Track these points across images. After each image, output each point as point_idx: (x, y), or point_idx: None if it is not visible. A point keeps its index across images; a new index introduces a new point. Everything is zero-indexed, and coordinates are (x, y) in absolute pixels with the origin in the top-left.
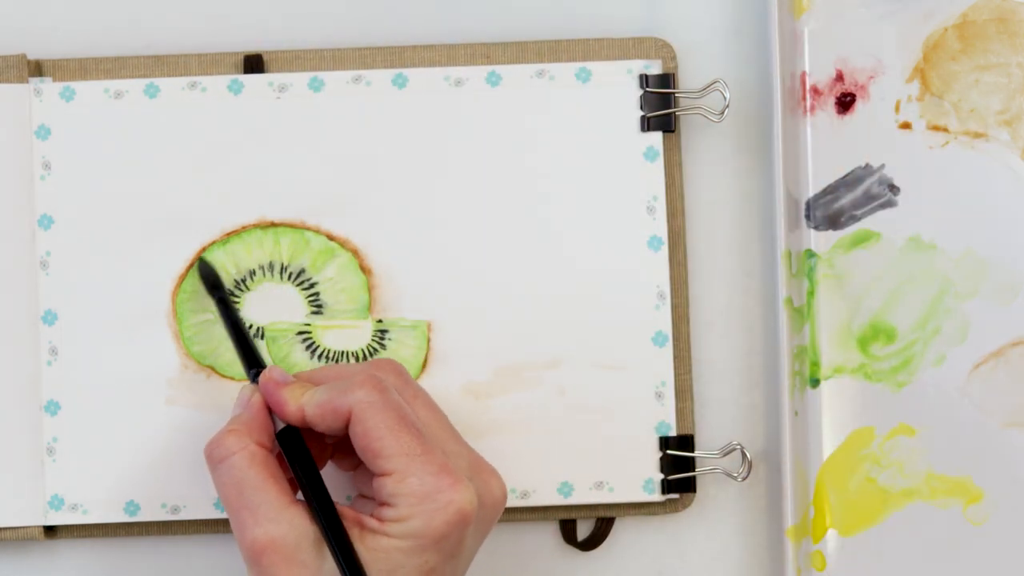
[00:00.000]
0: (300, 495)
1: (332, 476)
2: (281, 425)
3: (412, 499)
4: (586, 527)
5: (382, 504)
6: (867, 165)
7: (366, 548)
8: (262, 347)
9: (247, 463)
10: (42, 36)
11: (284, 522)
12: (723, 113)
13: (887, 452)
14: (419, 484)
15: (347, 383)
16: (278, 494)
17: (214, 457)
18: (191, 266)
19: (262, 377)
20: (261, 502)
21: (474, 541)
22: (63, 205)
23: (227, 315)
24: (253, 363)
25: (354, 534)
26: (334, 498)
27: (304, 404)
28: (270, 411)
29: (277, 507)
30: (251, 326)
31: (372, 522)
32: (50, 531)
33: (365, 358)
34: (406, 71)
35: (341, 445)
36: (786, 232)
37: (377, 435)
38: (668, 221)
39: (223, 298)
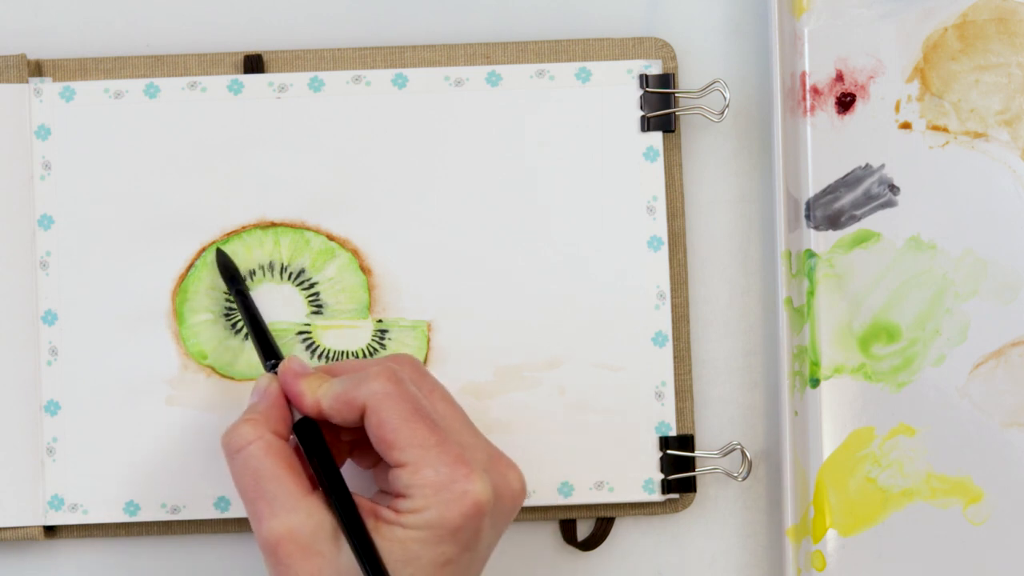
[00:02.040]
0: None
1: (352, 476)
2: (299, 416)
3: (427, 490)
4: (586, 527)
5: (398, 495)
6: (867, 165)
7: (382, 539)
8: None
9: (264, 452)
10: (42, 36)
11: (301, 512)
12: (723, 113)
13: (887, 452)
14: (434, 475)
15: (363, 375)
16: (295, 484)
17: (231, 447)
18: (191, 266)
19: (281, 367)
20: (278, 492)
21: (492, 534)
22: (63, 205)
23: (245, 306)
24: (271, 354)
25: (370, 524)
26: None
27: (321, 396)
28: (288, 402)
29: (294, 497)
30: None
31: (388, 513)
32: (50, 531)
33: (366, 358)
34: (406, 71)
35: (360, 443)
36: (786, 232)
37: (392, 426)
38: (668, 221)
39: (241, 290)
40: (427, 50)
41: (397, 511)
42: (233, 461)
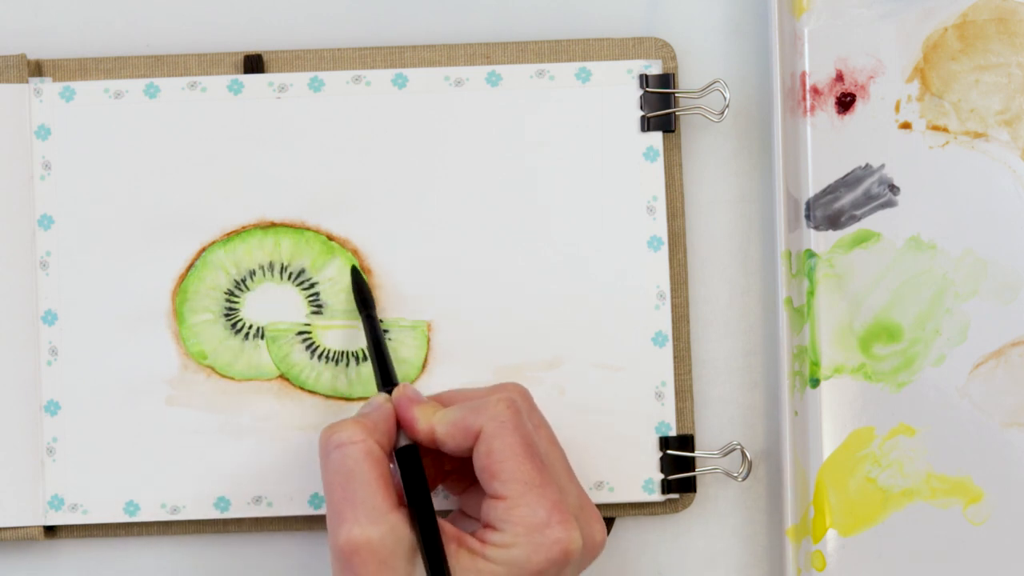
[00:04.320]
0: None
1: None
2: (403, 443)
3: (520, 528)
4: None
5: (487, 526)
6: (867, 165)
7: (461, 567)
8: (262, 350)
9: (363, 456)
10: (42, 36)
11: (385, 525)
12: (723, 113)
13: (887, 452)
14: (531, 515)
15: (482, 402)
16: (385, 495)
17: (331, 442)
18: (191, 266)
19: (396, 392)
20: (367, 499)
21: None
22: (63, 205)
23: (372, 331)
24: (388, 380)
25: (451, 550)
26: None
27: (435, 423)
28: (397, 427)
29: (381, 509)
30: (251, 326)
31: (473, 542)
32: (50, 531)
33: (365, 358)
34: (406, 71)
35: (456, 471)
36: (786, 232)
37: (501, 457)
38: (668, 221)
39: (371, 315)
40: (427, 50)
41: (483, 542)
42: (329, 457)
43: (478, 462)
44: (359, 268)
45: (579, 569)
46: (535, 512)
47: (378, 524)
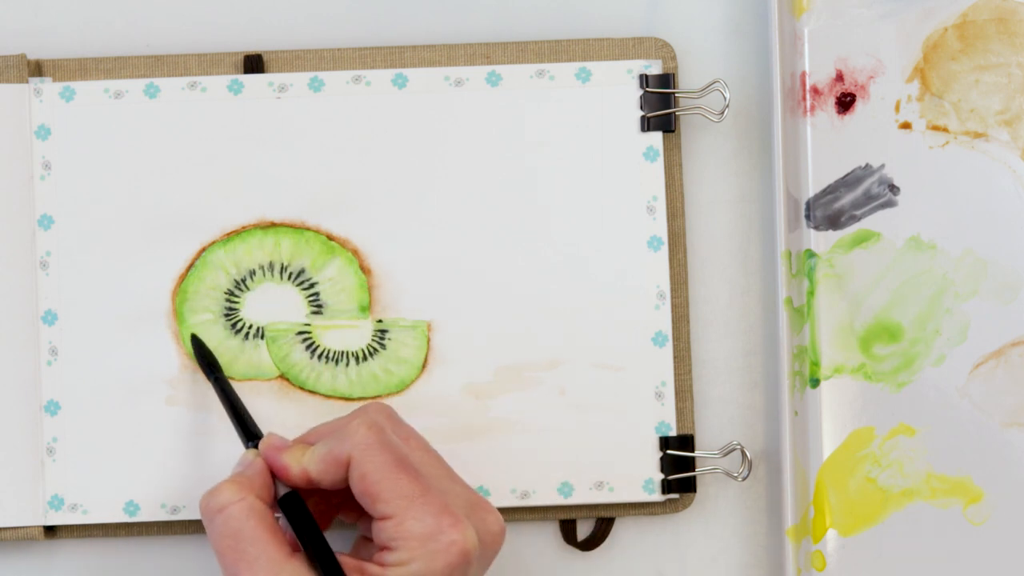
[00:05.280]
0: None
1: (333, 533)
2: (283, 491)
3: (413, 542)
4: (586, 527)
5: (383, 548)
6: (867, 165)
7: None
8: (262, 350)
9: (246, 514)
10: (42, 36)
11: (285, 575)
12: (723, 113)
13: (887, 452)
14: (420, 526)
15: (343, 432)
16: (277, 547)
17: (211, 508)
18: (191, 266)
19: (263, 443)
20: (259, 555)
21: None
22: (63, 205)
23: (224, 394)
24: (251, 435)
25: None
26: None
27: (306, 463)
28: (272, 477)
29: (277, 560)
30: (251, 326)
31: (373, 568)
32: (50, 531)
33: (365, 358)
34: (406, 71)
35: (345, 502)
36: (786, 232)
37: (375, 479)
38: (668, 221)
39: (219, 378)
40: (427, 50)
41: (382, 564)
42: (212, 522)
43: (355, 488)
44: (197, 336)
45: (485, 564)
46: (423, 522)
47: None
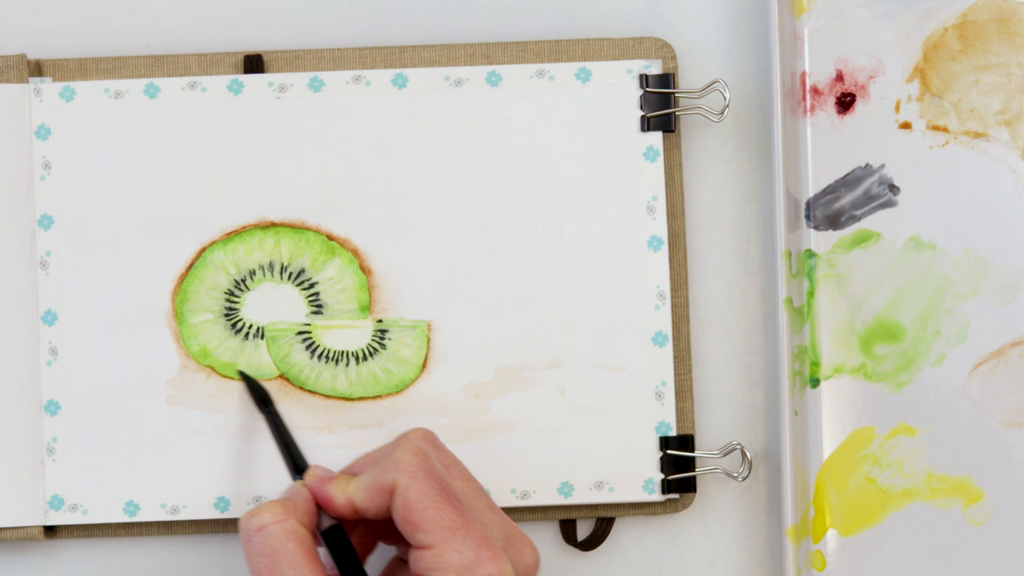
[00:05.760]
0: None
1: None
2: (327, 523)
3: (451, 573)
4: (586, 527)
5: None
6: (867, 165)
7: None
8: (262, 350)
9: (285, 535)
10: (42, 36)
11: None
12: (723, 113)
13: (887, 452)
14: (459, 558)
15: (389, 458)
16: (314, 570)
17: (251, 526)
18: (191, 266)
19: (308, 475)
20: None
21: None
22: (63, 205)
23: (275, 427)
24: (299, 468)
25: None
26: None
27: (351, 494)
28: (318, 509)
29: None
30: (251, 326)
31: None
32: (50, 531)
33: (365, 358)
34: (406, 71)
35: (388, 533)
36: (786, 232)
37: (418, 508)
38: (668, 221)
39: (272, 411)
40: (427, 50)
41: None
42: (251, 540)
43: (397, 516)
44: (246, 372)
45: None
46: (463, 554)
47: None
